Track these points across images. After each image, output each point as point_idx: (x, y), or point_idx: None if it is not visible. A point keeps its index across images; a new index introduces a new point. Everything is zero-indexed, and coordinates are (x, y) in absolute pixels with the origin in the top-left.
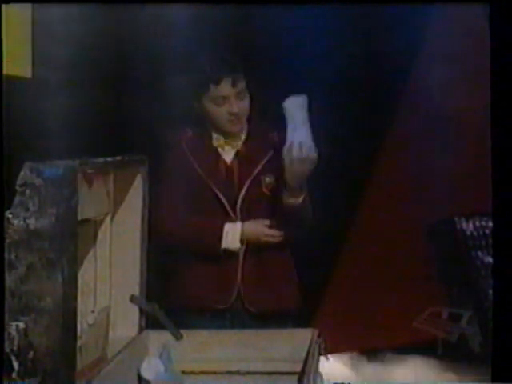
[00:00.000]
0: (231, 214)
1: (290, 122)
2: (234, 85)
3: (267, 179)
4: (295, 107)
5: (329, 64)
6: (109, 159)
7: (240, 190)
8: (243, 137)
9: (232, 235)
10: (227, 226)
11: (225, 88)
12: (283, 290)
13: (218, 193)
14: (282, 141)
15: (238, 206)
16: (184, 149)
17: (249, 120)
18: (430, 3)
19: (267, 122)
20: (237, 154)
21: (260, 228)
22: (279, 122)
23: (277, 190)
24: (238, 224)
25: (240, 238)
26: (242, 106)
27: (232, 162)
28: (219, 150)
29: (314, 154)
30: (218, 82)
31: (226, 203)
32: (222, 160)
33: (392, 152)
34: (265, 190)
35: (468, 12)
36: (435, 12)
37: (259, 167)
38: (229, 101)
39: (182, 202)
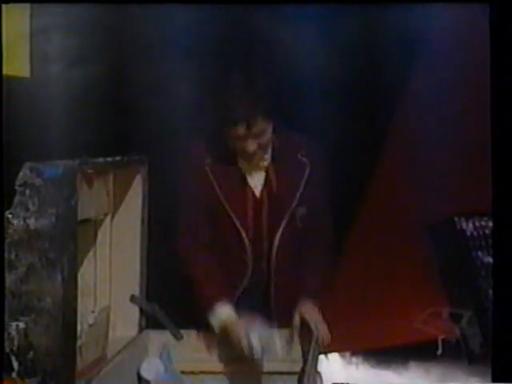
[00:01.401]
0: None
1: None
2: (248, 127)
3: (301, 210)
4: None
5: (328, 64)
6: (109, 159)
7: (270, 231)
8: (267, 156)
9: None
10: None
11: (240, 130)
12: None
13: (243, 234)
14: (313, 159)
15: (264, 248)
16: (206, 171)
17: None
18: (430, 3)
19: (292, 139)
20: (266, 180)
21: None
22: (304, 138)
23: (310, 222)
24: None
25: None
26: (260, 142)
27: (261, 193)
28: (246, 175)
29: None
30: (233, 124)
31: (247, 245)
32: (249, 190)
33: (392, 152)
34: (299, 223)
35: (468, 12)
36: (435, 12)
37: (296, 201)
38: (245, 140)
39: (201, 229)
